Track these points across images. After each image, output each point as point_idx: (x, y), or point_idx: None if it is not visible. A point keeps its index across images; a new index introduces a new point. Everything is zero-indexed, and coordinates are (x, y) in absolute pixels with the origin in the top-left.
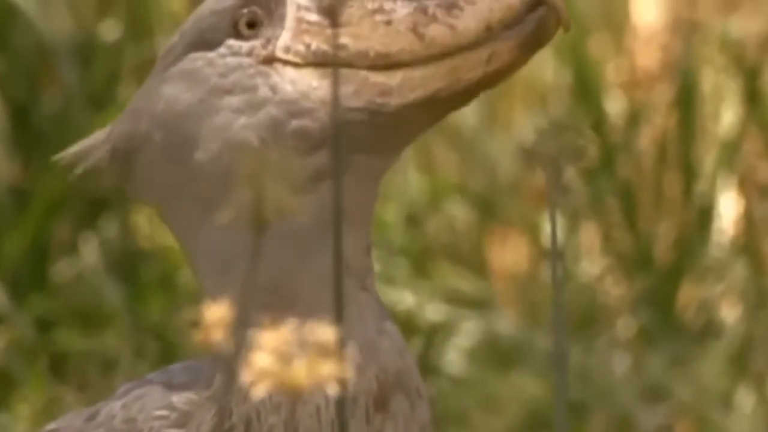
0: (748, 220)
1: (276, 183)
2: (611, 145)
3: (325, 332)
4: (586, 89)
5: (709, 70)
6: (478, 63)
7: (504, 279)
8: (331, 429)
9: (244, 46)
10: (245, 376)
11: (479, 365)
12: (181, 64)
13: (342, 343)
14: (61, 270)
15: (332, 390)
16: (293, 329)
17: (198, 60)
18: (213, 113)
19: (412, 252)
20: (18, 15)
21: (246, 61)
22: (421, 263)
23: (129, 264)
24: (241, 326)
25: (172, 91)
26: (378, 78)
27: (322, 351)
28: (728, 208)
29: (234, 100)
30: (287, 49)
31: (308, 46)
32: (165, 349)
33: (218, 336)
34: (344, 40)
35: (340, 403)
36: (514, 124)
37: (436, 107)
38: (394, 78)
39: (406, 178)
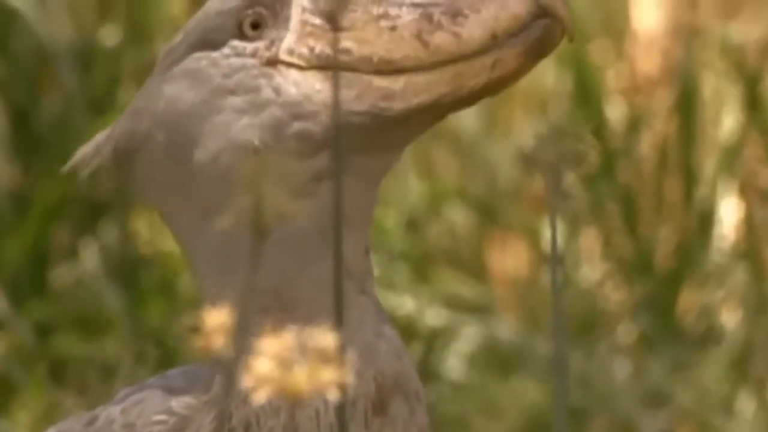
0: (749, 225)
1: (276, 187)
2: (612, 151)
3: (325, 338)
4: (586, 95)
5: (709, 75)
6: (482, 69)
7: (504, 284)
8: None
9: (248, 47)
10: (245, 381)
11: (479, 370)
12: (184, 63)
13: (342, 349)
14: (61, 275)
15: (333, 395)
16: (293, 335)
17: (201, 60)
18: (215, 113)
19: (412, 257)
20: (18, 19)
21: (250, 62)
22: (421, 268)
23: (129, 269)
24: (241, 330)
25: (175, 90)
26: (381, 82)
27: (323, 356)
28: (729, 214)
29: (237, 101)
30: (291, 52)
31: (312, 49)
32: (165, 355)
33: (218, 341)
34: (348, 44)
35: (340, 408)
36: (514, 130)
37: (438, 111)
38: (397, 83)
39: (407, 183)
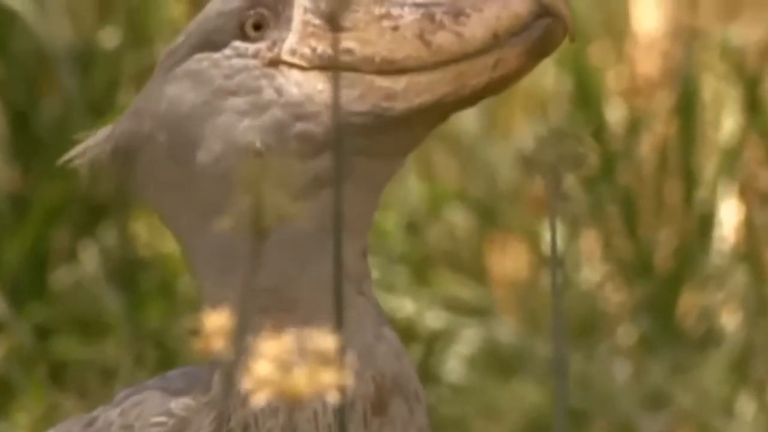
0: (749, 227)
1: (276, 189)
2: (611, 153)
3: (324, 339)
4: (586, 96)
5: (709, 77)
6: (484, 69)
7: (504, 286)
8: None
9: (250, 48)
10: (245, 383)
11: (479, 372)
12: (186, 64)
13: (341, 351)
14: (61, 278)
15: (332, 397)
16: (293, 337)
17: (203, 61)
18: (217, 114)
19: (412, 259)
20: (18, 21)
21: (252, 63)
22: (421, 270)
23: (128, 272)
24: (241, 331)
25: (177, 91)
26: (383, 82)
27: (322, 359)
28: (729, 216)
29: (238, 102)
30: (293, 52)
31: (314, 50)
32: (164, 357)
33: (218, 343)
34: (351, 44)
35: (340, 409)
36: (514, 132)
37: (440, 112)
38: (399, 82)
39: (406, 185)
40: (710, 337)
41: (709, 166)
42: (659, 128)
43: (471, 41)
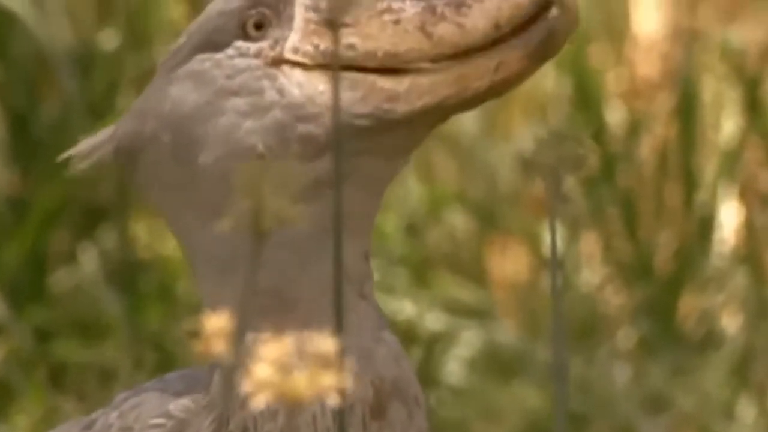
0: (749, 229)
1: (275, 192)
2: (611, 155)
3: (324, 343)
4: (586, 98)
5: (709, 79)
6: (486, 71)
7: (504, 288)
8: None
9: (252, 47)
10: (244, 386)
11: (479, 375)
12: (189, 65)
13: (342, 354)
14: (60, 280)
15: (332, 400)
16: (292, 339)
17: (205, 61)
18: (219, 115)
19: (411, 261)
20: (17, 23)
21: (254, 62)
22: (420, 273)
23: (128, 274)
24: (240, 333)
25: (179, 91)
26: (386, 83)
27: (322, 361)
28: (729, 218)
29: (240, 103)
30: (295, 50)
31: (317, 47)
32: (164, 360)
33: (217, 346)
34: (352, 40)
35: (339, 413)
36: (514, 134)
37: (442, 114)
38: (401, 84)
39: (406, 187)
40: (711, 340)
41: (709, 167)
42: (659, 130)
43: (472, 32)
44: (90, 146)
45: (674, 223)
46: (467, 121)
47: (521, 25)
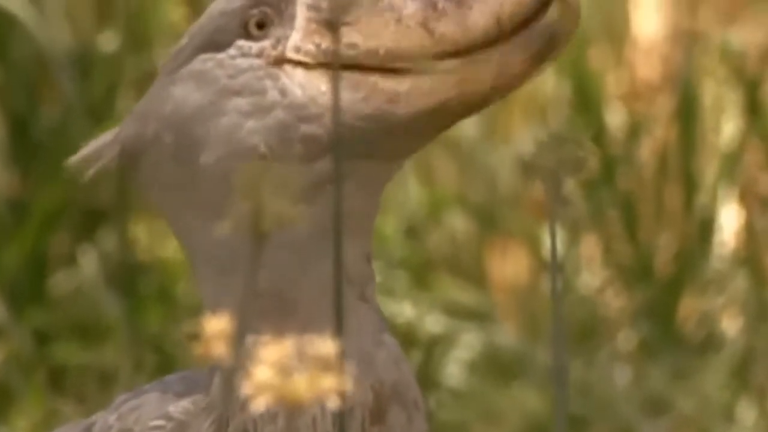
0: (749, 232)
1: (276, 193)
2: (611, 157)
3: (324, 345)
4: (586, 101)
5: (709, 81)
6: (487, 74)
7: (504, 291)
8: None
9: (254, 47)
10: (244, 388)
11: (479, 378)
12: (191, 65)
13: (342, 357)
14: (60, 282)
15: (332, 403)
16: (293, 342)
17: (208, 61)
18: (221, 115)
19: (411, 264)
20: (17, 26)
21: (256, 62)
22: (420, 275)
23: (128, 276)
24: (240, 335)
25: (182, 92)
26: (387, 84)
27: (322, 364)
28: (729, 220)
29: (242, 103)
30: (297, 49)
31: (318, 46)
32: (164, 362)
33: (217, 348)
34: (354, 38)
35: (339, 415)
36: (514, 136)
37: (443, 117)
38: (403, 84)
39: (406, 189)
40: (711, 343)
41: (709, 170)
42: (659, 132)
43: (474, 28)
44: (93, 150)
45: (674, 225)
46: (467, 124)
47: (523, 22)
